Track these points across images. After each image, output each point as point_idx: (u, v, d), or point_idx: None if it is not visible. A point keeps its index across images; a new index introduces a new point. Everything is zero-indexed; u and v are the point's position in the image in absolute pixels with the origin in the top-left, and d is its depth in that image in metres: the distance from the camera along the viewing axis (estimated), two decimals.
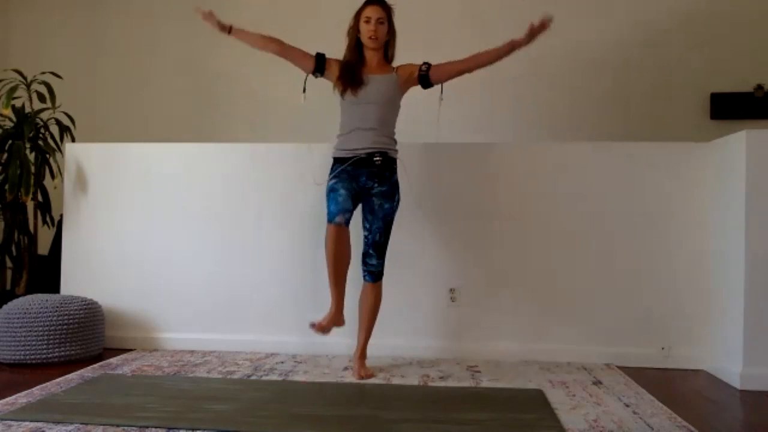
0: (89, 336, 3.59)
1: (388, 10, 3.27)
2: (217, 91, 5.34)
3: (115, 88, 5.46)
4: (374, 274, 3.30)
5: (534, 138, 4.97)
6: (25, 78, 4.31)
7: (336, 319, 3.22)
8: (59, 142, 4.34)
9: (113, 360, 3.56)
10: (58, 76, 4.42)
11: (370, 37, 3.23)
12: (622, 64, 5.02)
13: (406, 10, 3.37)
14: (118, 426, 2.42)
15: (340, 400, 2.86)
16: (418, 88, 3.34)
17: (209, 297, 3.88)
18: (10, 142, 4.15)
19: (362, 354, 3.33)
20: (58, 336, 3.46)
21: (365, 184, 3.24)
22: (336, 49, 3.32)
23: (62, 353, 3.47)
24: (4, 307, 3.57)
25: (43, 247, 4.52)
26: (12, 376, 3.26)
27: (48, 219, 4.34)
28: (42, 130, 4.31)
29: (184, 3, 4.44)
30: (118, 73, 5.46)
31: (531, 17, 3.10)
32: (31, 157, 4.19)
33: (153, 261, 3.92)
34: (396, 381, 3.18)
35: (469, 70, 3.26)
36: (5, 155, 4.15)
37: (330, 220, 3.12)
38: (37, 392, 2.87)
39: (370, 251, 3.28)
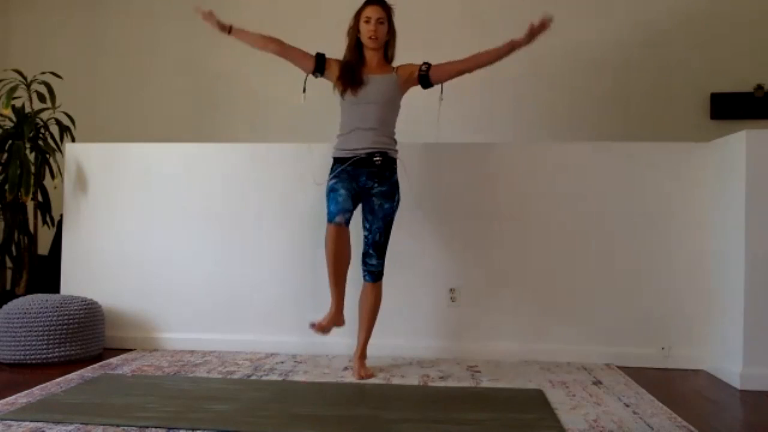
0: (89, 336, 3.59)
1: (388, 10, 3.27)
2: (217, 91, 5.34)
3: (115, 88, 5.46)
4: (374, 274, 3.30)
5: (534, 138, 4.96)
6: (25, 78, 4.31)
7: (336, 319, 3.22)
8: (59, 142, 4.34)
9: (113, 360, 3.56)
10: (58, 76, 4.42)
11: (370, 37, 3.23)
12: (622, 64, 5.02)
13: (406, 10, 3.38)
14: (118, 426, 2.42)
15: (340, 400, 2.86)
16: (418, 88, 3.34)
17: (209, 297, 3.88)
18: (10, 142, 4.15)
19: (362, 354, 3.33)
20: (58, 336, 3.46)
21: (365, 184, 3.24)
22: (336, 49, 3.32)
23: (62, 353, 3.47)
24: (4, 307, 3.57)
25: (43, 247, 4.52)
26: (12, 376, 3.26)
27: (48, 219, 4.34)
28: (42, 130, 4.31)
29: (184, 3, 4.43)
30: (118, 73, 5.46)
31: (531, 17, 3.10)
32: (31, 157, 4.19)
33: (153, 261, 3.92)
34: (396, 381, 3.18)
35: (469, 70, 3.27)
36: (5, 155, 4.15)
37: (330, 220, 3.12)
38: (37, 392, 2.87)
39: (370, 251, 3.28)
